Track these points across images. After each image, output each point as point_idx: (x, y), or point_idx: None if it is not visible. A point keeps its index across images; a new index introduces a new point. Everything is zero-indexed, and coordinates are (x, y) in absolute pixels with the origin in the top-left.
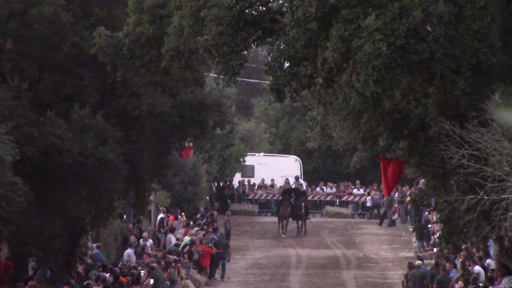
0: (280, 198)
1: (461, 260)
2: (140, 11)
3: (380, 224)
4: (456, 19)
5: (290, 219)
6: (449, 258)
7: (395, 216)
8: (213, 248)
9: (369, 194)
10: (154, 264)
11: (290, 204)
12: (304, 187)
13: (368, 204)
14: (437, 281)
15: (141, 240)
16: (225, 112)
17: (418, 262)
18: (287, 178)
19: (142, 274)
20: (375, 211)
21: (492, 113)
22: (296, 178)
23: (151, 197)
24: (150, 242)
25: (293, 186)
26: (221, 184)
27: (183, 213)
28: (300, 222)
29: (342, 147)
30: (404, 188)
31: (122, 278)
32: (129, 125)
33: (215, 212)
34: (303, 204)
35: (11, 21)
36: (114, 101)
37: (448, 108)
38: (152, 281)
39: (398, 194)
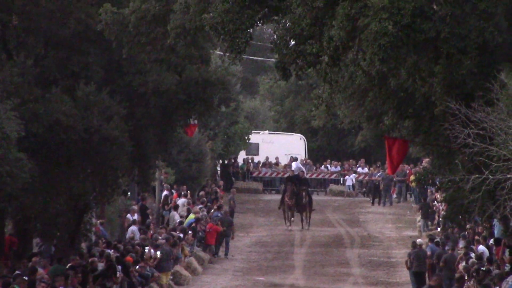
0: (283, 186)
1: (465, 239)
2: None
3: (372, 203)
4: None
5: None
6: (449, 237)
7: (394, 195)
8: (220, 226)
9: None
10: (163, 241)
11: (294, 194)
12: (301, 169)
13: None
14: (445, 259)
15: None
16: (230, 89)
17: (419, 241)
18: (291, 157)
19: (146, 250)
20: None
21: (497, 92)
22: (294, 159)
23: (157, 174)
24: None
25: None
26: (225, 162)
27: (188, 191)
28: (304, 213)
29: (347, 126)
30: (405, 166)
31: (127, 258)
32: (134, 102)
33: (218, 190)
34: (304, 193)
35: None
36: (119, 78)
37: (454, 87)
38: (159, 253)
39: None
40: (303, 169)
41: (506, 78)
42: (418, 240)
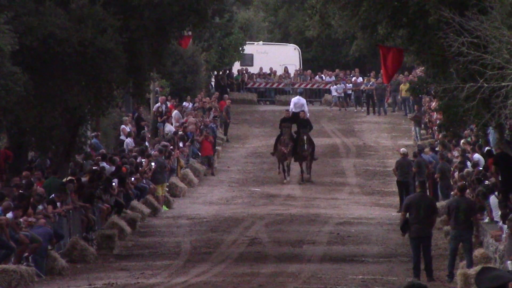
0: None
1: (460, 148)
2: None
3: (368, 113)
4: None
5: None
6: (446, 145)
7: (386, 105)
8: (211, 135)
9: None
10: (155, 152)
11: (291, 139)
12: (302, 107)
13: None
14: (439, 169)
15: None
16: (224, 0)
17: (403, 150)
18: (286, 67)
19: (143, 162)
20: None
21: (491, 0)
22: (298, 92)
23: (152, 86)
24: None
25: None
26: (220, 73)
27: (185, 102)
28: (304, 164)
29: (341, 36)
30: (400, 77)
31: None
32: (128, 14)
33: (215, 102)
34: (305, 137)
35: None
36: None
37: None
38: (153, 164)
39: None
40: (306, 107)
41: None
42: (402, 149)
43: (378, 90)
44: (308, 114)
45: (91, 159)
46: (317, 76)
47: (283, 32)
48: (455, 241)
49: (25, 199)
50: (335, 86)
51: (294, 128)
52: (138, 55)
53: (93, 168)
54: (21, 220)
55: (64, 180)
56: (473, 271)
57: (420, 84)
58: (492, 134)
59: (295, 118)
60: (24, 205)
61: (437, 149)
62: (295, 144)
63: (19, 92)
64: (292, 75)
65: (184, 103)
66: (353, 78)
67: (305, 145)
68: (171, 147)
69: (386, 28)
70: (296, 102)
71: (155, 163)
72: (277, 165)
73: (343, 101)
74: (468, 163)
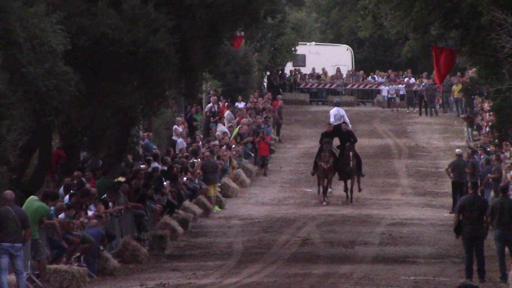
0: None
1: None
2: None
3: (420, 114)
4: None
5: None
6: (497, 145)
7: (438, 106)
8: (267, 136)
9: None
10: (207, 153)
11: (332, 155)
12: (343, 118)
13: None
14: (497, 170)
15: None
16: (276, 1)
17: (458, 150)
18: (338, 67)
19: (195, 162)
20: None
21: None
22: (335, 103)
23: (204, 86)
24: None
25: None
26: (273, 73)
27: (236, 103)
28: (349, 181)
29: (393, 36)
30: (452, 78)
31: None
32: (181, 15)
33: (267, 103)
34: (350, 153)
35: None
36: None
37: None
38: (199, 160)
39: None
40: (346, 118)
41: None
42: (457, 150)
43: (429, 91)
44: (350, 126)
45: (140, 160)
46: (370, 76)
47: (336, 33)
48: (500, 242)
49: (79, 200)
50: (386, 87)
51: (336, 141)
52: (190, 55)
53: (138, 168)
54: (75, 220)
55: (116, 180)
56: None
57: (472, 85)
58: None
59: (337, 131)
60: (77, 205)
61: (488, 149)
62: (336, 160)
63: (71, 92)
64: (344, 75)
65: (236, 104)
66: (405, 79)
67: (351, 162)
68: (223, 146)
69: (438, 29)
70: (336, 113)
71: (204, 163)
72: None
73: (394, 101)
74: None
